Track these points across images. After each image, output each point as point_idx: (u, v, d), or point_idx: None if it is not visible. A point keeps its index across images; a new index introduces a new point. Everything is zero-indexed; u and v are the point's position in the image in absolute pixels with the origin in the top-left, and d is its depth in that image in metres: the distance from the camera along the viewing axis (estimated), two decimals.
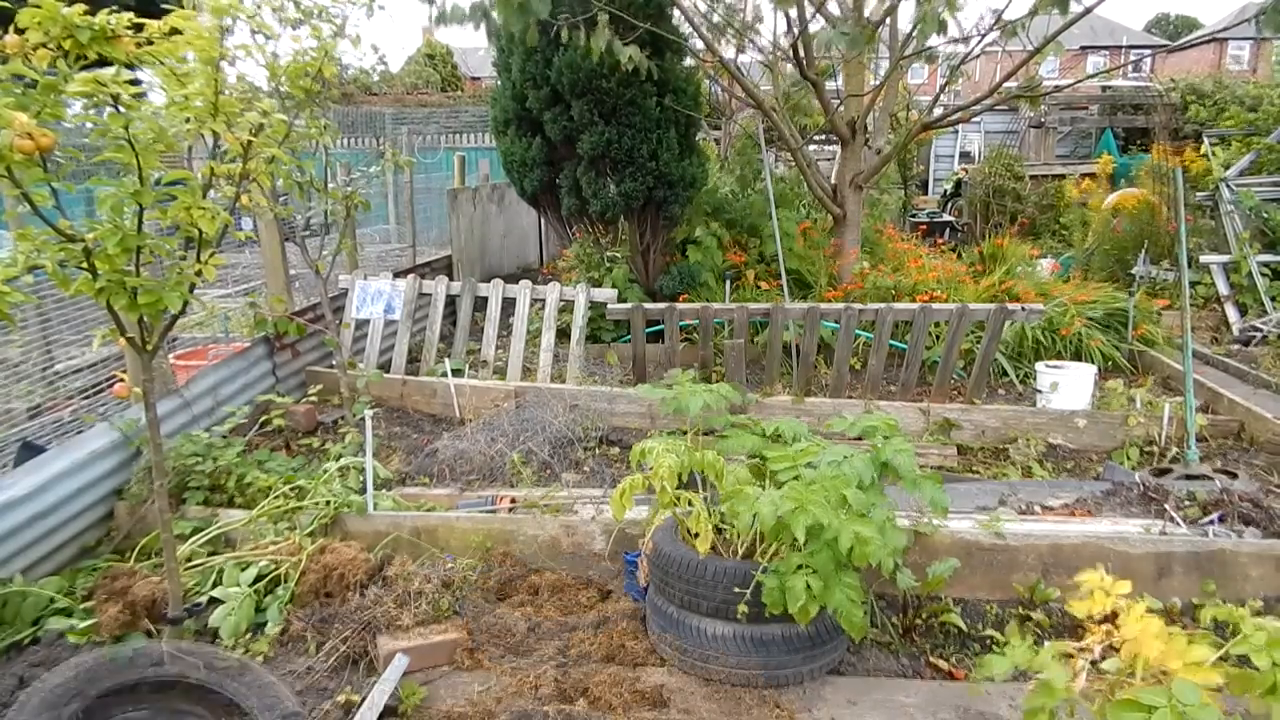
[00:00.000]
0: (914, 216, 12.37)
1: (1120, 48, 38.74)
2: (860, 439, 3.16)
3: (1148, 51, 29.75)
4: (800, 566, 2.56)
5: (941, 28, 4.04)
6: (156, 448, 2.69)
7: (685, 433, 4.85)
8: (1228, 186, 8.03)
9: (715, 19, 5.52)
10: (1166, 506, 3.71)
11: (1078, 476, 4.39)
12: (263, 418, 4.67)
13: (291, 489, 3.63)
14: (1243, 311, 7.33)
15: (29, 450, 3.85)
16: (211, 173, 2.41)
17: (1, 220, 4.18)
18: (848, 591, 2.55)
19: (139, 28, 2.19)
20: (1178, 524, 3.55)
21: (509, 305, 5.99)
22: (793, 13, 4.69)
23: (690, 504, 2.90)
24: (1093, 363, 5.65)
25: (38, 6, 2.02)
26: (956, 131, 15.73)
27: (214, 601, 3.04)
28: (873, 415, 3.22)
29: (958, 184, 12.97)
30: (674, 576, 2.79)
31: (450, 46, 36.33)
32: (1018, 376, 5.80)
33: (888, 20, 4.95)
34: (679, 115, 6.55)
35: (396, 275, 6.42)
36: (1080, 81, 11.81)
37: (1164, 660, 1.70)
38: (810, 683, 2.75)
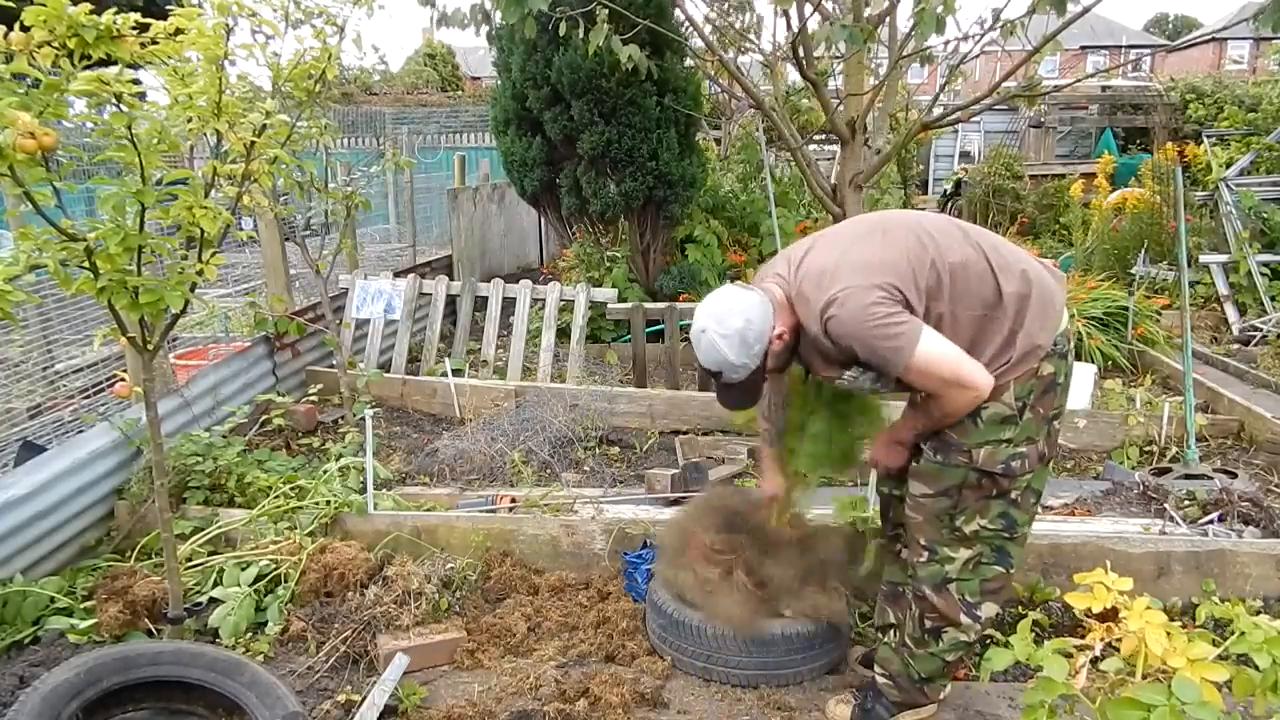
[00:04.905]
0: None
1: (1120, 47, 38.74)
2: None
3: (1147, 51, 29.79)
4: None
5: (940, 26, 4.03)
6: (157, 447, 2.69)
7: (686, 431, 4.90)
8: (1227, 186, 8.04)
9: (713, 17, 5.51)
10: (1166, 506, 3.71)
11: (1077, 476, 4.40)
12: (263, 417, 4.67)
13: (292, 489, 3.63)
14: (1242, 311, 7.34)
15: (29, 450, 3.84)
16: (214, 172, 2.41)
17: (3, 219, 4.19)
18: None
19: (144, 28, 2.19)
20: (1178, 524, 3.55)
21: (509, 305, 5.99)
22: (792, 12, 4.68)
23: None
24: (1092, 362, 5.64)
25: (43, 4, 2.02)
26: (956, 131, 15.72)
27: (214, 601, 3.04)
28: None
29: (957, 184, 12.95)
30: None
31: (450, 46, 36.35)
32: None
33: (886, 20, 4.93)
34: (679, 115, 6.55)
35: (396, 275, 6.42)
36: (1080, 81, 11.78)
37: (1166, 658, 1.70)
38: (810, 682, 2.75)
